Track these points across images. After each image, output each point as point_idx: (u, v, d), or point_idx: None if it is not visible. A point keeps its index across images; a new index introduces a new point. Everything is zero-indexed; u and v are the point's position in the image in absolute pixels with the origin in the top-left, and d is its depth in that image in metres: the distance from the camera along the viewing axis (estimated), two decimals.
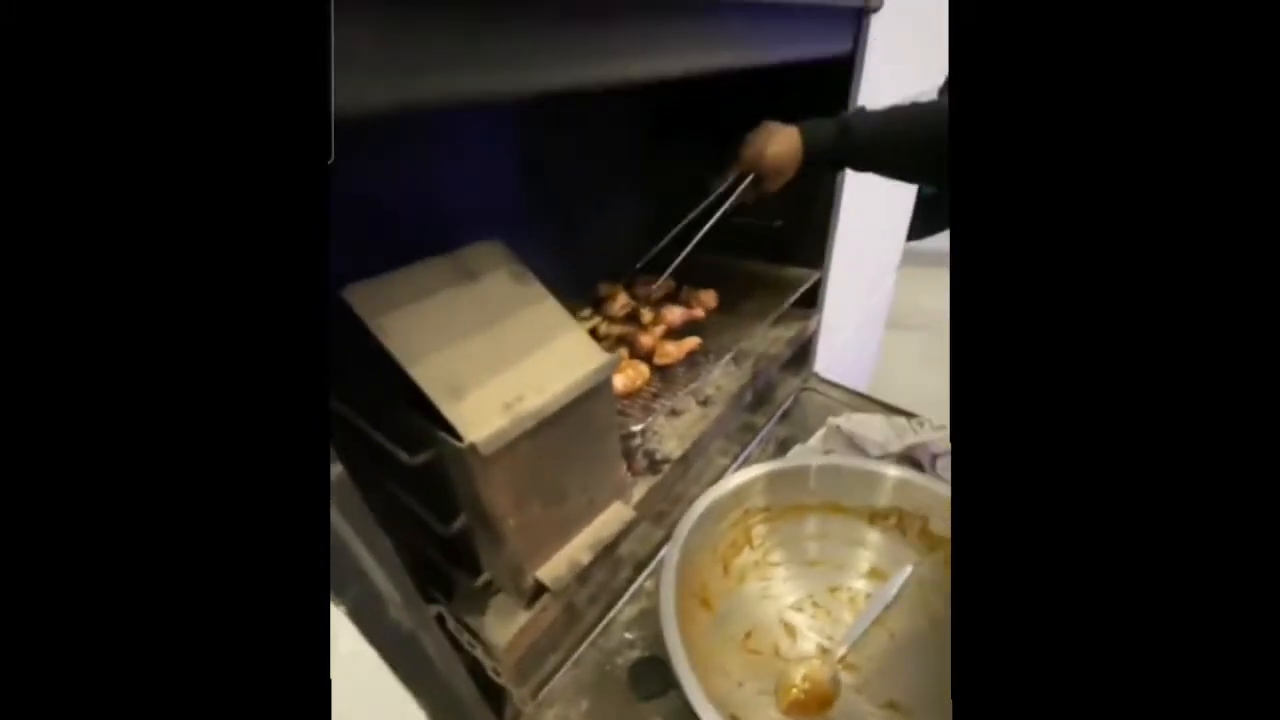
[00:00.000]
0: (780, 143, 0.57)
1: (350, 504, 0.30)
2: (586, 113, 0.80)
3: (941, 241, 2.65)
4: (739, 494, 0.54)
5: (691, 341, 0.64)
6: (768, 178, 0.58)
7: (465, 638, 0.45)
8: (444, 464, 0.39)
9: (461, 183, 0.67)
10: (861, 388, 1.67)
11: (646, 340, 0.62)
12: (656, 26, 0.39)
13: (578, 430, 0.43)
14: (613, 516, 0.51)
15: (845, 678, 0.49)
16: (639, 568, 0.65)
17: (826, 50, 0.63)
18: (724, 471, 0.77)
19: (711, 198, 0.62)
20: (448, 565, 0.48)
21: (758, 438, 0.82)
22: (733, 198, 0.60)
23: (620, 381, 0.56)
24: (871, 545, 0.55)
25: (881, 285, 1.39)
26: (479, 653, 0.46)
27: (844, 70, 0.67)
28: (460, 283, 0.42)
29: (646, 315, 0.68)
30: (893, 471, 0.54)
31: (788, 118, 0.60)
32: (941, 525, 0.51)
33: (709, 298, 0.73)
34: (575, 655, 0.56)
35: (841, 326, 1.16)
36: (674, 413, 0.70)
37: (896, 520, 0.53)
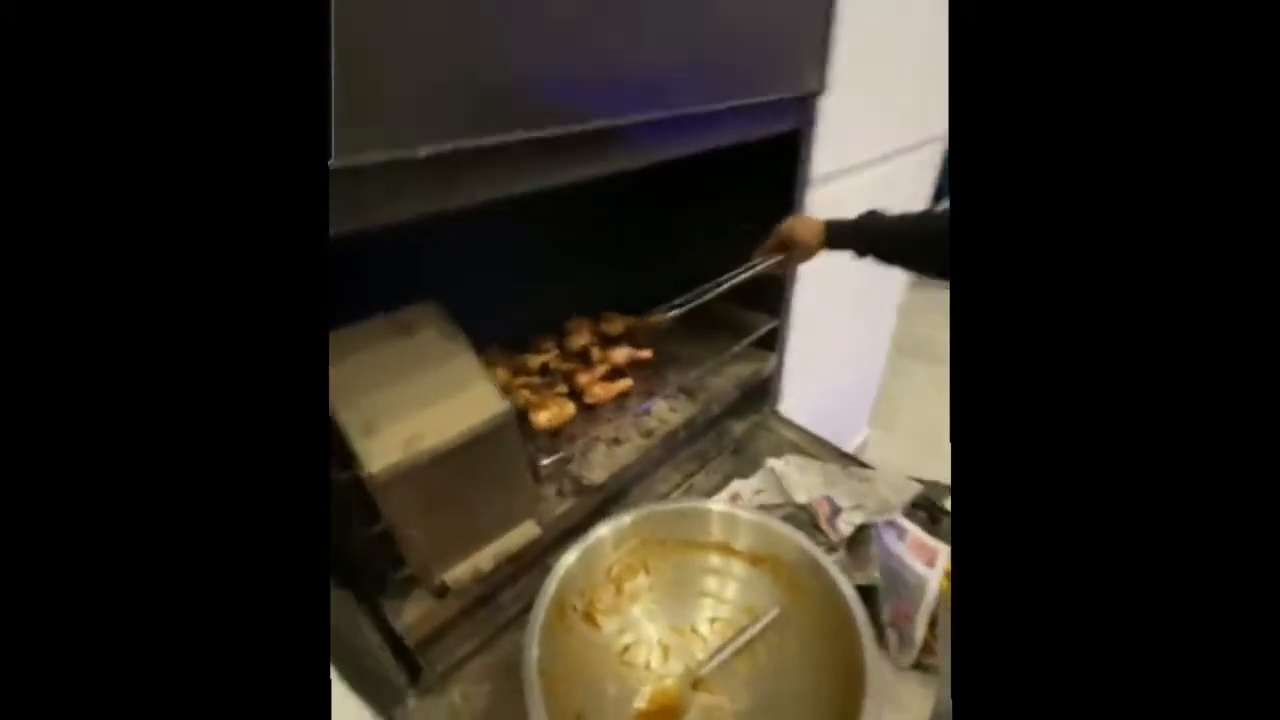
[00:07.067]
0: (807, 225, 0.70)
1: None
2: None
3: None
4: (637, 525, 0.62)
5: (622, 384, 0.72)
6: (795, 249, 0.71)
7: (389, 615, 0.56)
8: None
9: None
10: (860, 423, 1.67)
11: (583, 379, 0.71)
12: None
13: (480, 462, 0.53)
14: (521, 532, 0.60)
15: (704, 698, 0.56)
16: None
17: (772, 131, 0.68)
18: (662, 498, 0.85)
19: (751, 265, 0.76)
20: (382, 559, 0.59)
21: (704, 470, 0.89)
22: (764, 265, 0.75)
23: (545, 417, 0.65)
24: (752, 585, 0.61)
25: (878, 325, 1.40)
26: (399, 627, 0.57)
27: (793, 143, 0.73)
28: (396, 338, 0.52)
29: (596, 353, 0.77)
30: (777, 527, 0.60)
31: (742, 186, 0.77)
32: (807, 578, 0.57)
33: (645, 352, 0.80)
34: (493, 644, 0.66)
35: (820, 364, 1.19)
36: (616, 442, 0.78)
37: (771, 566, 0.60)
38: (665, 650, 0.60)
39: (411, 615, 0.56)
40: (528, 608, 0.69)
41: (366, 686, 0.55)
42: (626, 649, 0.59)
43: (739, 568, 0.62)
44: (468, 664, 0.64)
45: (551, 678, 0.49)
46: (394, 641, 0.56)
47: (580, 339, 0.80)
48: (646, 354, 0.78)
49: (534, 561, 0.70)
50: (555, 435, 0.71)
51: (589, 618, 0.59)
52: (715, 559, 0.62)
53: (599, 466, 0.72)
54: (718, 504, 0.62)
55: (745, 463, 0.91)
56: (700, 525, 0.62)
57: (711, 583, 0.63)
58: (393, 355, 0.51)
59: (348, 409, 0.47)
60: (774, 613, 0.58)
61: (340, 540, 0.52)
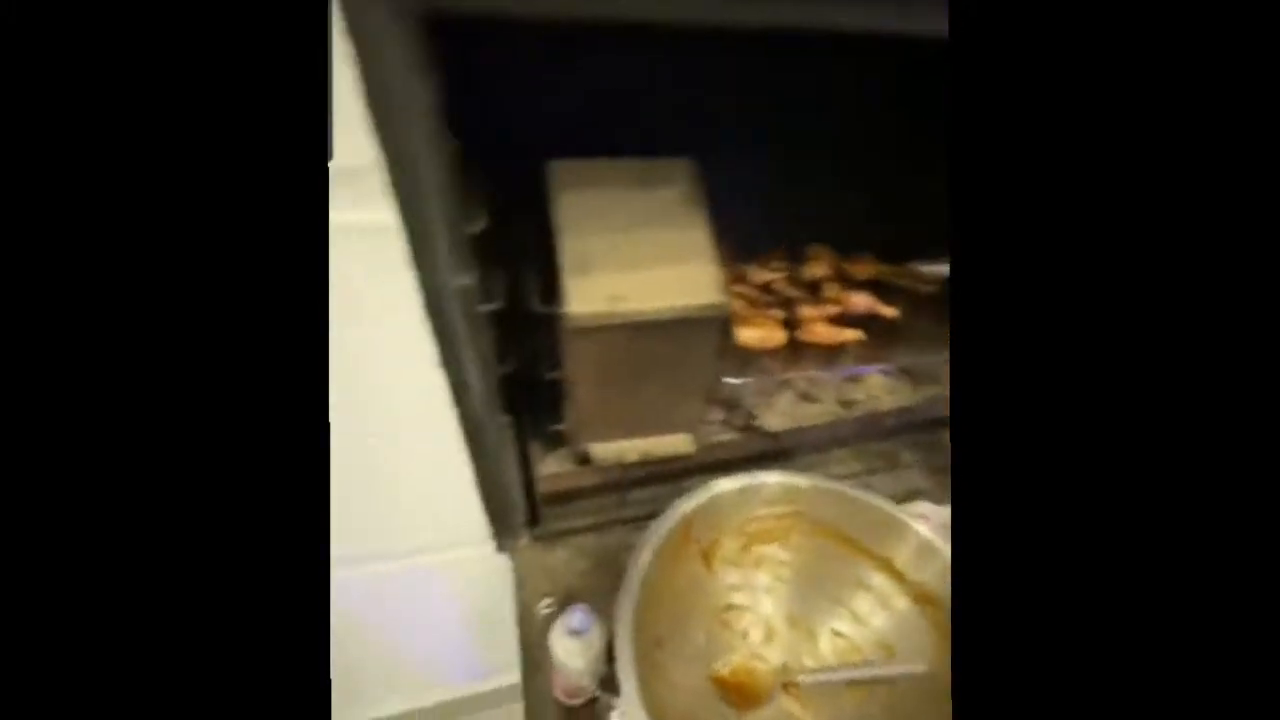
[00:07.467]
0: None
1: (470, 312, 0.41)
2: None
3: None
4: (806, 494, 0.53)
5: (849, 334, 0.60)
6: None
7: (532, 457, 0.57)
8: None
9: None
10: None
11: (808, 311, 0.60)
12: None
13: (670, 347, 0.48)
14: (675, 442, 0.56)
15: (791, 705, 0.49)
16: None
17: None
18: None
19: None
20: (548, 404, 0.59)
21: (891, 472, 0.74)
22: None
23: (751, 335, 0.57)
24: (905, 624, 0.49)
25: None
26: (536, 473, 0.58)
27: None
28: (640, 185, 0.47)
29: (832, 290, 0.65)
30: None
31: None
32: None
33: (889, 310, 0.64)
34: (607, 531, 0.65)
35: None
36: (808, 397, 0.68)
37: (938, 614, 0.47)
38: (770, 633, 0.53)
39: (550, 468, 0.56)
40: (651, 515, 0.66)
41: (494, 509, 0.57)
42: (730, 608, 0.53)
43: (900, 600, 0.50)
44: (578, 536, 0.64)
45: (648, 592, 0.45)
46: (528, 483, 0.58)
47: (817, 269, 0.68)
48: (891, 312, 0.63)
49: (672, 476, 0.66)
50: (749, 360, 0.63)
51: (706, 557, 0.53)
52: (877, 577, 0.51)
53: (780, 413, 0.63)
54: (918, 520, 0.49)
55: (944, 487, 0.74)
56: (884, 532, 0.51)
57: (859, 600, 0.52)
58: (630, 201, 0.46)
59: (571, 239, 0.44)
60: (918, 667, 0.46)
61: (524, 370, 0.52)
